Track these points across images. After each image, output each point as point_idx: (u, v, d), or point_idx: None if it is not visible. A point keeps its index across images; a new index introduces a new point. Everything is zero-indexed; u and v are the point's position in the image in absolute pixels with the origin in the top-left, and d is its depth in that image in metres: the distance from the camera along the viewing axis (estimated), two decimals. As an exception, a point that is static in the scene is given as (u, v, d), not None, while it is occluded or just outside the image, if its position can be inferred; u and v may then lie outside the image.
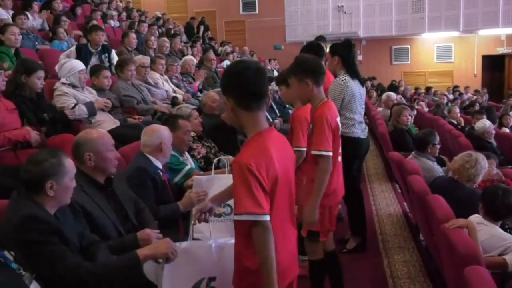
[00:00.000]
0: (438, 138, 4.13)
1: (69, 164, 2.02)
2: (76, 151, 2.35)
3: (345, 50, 3.59)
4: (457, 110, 8.14)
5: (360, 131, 3.59)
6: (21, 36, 5.01)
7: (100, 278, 1.89)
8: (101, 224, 2.28)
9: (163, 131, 2.97)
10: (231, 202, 2.79)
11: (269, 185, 1.61)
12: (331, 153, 2.48)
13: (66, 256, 1.87)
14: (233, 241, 1.80)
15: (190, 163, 3.39)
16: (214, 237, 2.67)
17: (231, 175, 2.66)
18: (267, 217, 1.59)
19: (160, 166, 2.93)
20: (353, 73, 3.56)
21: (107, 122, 4.03)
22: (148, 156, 2.89)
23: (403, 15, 16.40)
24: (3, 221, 1.91)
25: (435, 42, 16.86)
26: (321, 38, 6.72)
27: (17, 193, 1.99)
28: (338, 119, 2.64)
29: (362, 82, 3.74)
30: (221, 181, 2.85)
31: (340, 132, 2.69)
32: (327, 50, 6.57)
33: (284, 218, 1.74)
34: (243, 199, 1.57)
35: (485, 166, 3.27)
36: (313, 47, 3.91)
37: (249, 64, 1.71)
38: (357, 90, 3.55)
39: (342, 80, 3.50)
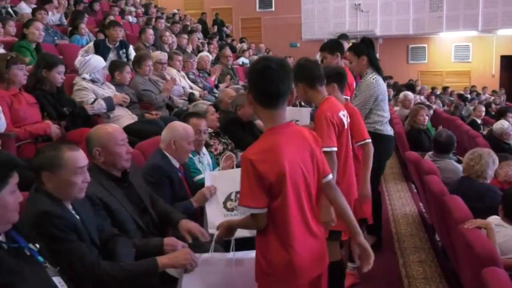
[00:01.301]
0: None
1: (70, 157, 1.95)
2: (88, 147, 2.37)
3: (370, 49, 3.59)
4: (483, 108, 7.94)
5: (390, 128, 3.63)
6: (43, 32, 5.08)
7: (118, 280, 1.91)
8: (120, 217, 2.31)
9: (178, 128, 2.92)
10: None
11: (272, 181, 1.65)
12: (334, 148, 2.47)
13: (84, 254, 1.88)
14: (253, 254, 1.83)
15: (207, 160, 3.40)
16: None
17: (239, 169, 2.73)
18: (262, 211, 1.68)
19: (177, 165, 2.92)
20: (380, 71, 3.58)
21: (125, 117, 4.06)
22: (165, 153, 2.88)
23: (421, 13, 16.20)
24: (24, 215, 1.92)
25: (453, 41, 16.63)
26: (343, 36, 6.70)
27: (34, 186, 2.01)
28: (342, 113, 2.62)
29: (384, 79, 3.79)
30: (230, 175, 2.88)
31: (367, 129, 2.93)
32: (346, 46, 6.58)
33: (297, 215, 1.73)
34: (243, 191, 1.68)
35: (491, 161, 3.30)
36: (332, 44, 3.93)
37: (271, 62, 1.71)
38: (385, 88, 3.63)
39: (374, 79, 3.50)
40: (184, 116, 3.50)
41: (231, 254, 2.09)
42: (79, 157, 1.99)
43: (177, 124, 2.99)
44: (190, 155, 3.12)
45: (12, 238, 1.63)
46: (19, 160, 1.68)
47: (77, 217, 1.99)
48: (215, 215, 2.81)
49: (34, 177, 1.97)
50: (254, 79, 1.73)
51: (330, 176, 1.87)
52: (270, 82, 1.67)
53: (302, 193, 1.74)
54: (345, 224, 1.90)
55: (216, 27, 13.58)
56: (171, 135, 2.88)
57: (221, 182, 2.89)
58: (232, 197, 2.86)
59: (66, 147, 1.98)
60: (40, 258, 1.68)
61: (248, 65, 9.23)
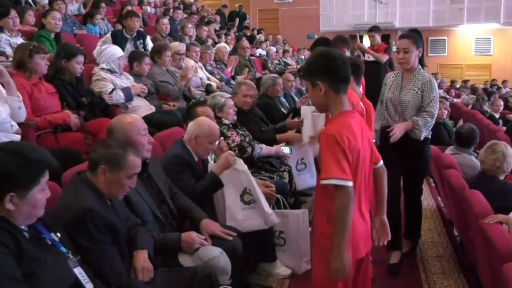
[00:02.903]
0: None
1: (132, 161, 2.02)
2: (109, 137, 2.39)
3: (422, 39, 3.28)
4: (501, 103, 7.80)
5: None
6: (61, 22, 5.11)
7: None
8: (139, 208, 2.33)
9: (204, 125, 2.88)
10: (253, 193, 2.87)
11: (351, 156, 1.76)
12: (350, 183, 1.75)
13: (115, 261, 1.93)
14: None
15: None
16: (246, 223, 2.77)
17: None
18: (350, 183, 1.71)
19: (196, 159, 2.90)
20: (423, 66, 3.31)
21: (143, 108, 4.08)
22: (186, 145, 2.88)
23: (441, 5, 15.93)
24: (59, 203, 1.95)
25: (474, 34, 16.33)
26: (375, 28, 6.63)
27: (77, 175, 2.05)
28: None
29: None
30: (243, 170, 2.89)
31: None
32: (378, 39, 6.47)
33: (360, 195, 1.86)
34: (330, 165, 1.71)
35: (509, 155, 3.16)
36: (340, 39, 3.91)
37: (338, 53, 1.90)
38: None
39: (432, 77, 3.26)
40: (187, 109, 3.57)
41: None
42: (138, 164, 2.08)
43: (205, 121, 2.94)
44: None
45: (34, 227, 1.65)
46: (53, 159, 1.65)
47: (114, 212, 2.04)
48: (234, 208, 2.83)
49: (60, 168, 2.01)
50: (332, 66, 1.82)
51: (381, 162, 2.04)
52: (346, 68, 1.84)
53: (363, 175, 1.87)
54: (379, 202, 2.06)
55: (237, 19, 13.53)
56: (196, 130, 2.87)
57: (235, 176, 2.88)
58: (248, 190, 2.87)
59: (132, 150, 2.05)
60: (63, 249, 1.69)
61: (265, 56, 9.19)
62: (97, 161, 1.99)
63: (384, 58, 6.55)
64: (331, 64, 1.83)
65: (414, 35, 3.22)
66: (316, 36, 16.82)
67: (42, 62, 3.33)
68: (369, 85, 4.16)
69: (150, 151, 2.49)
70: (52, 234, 1.70)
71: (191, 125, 2.94)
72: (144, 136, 2.44)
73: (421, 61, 3.25)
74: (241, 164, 2.93)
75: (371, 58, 6.54)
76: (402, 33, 3.77)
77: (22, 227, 1.60)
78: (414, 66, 3.19)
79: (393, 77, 3.32)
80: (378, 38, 6.62)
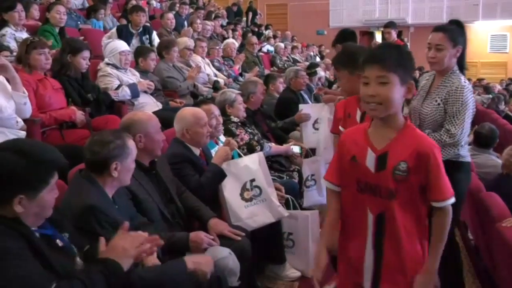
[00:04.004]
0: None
1: (132, 145, 2.05)
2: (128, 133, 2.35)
3: (464, 35, 2.56)
4: None
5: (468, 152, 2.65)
6: (66, 16, 5.05)
7: (149, 282, 1.87)
8: (147, 207, 2.29)
9: (186, 116, 2.84)
10: (259, 183, 2.81)
11: None
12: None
13: None
14: None
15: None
16: (252, 220, 2.74)
17: (248, 157, 2.94)
18: None
19: (197, 153, 2.87)
20: (464, 70, 2.61)
21: (150, 104, 4.03)
22: (183, 141, 2.84)
23: (456, 1, 15.69)
24: (63, 202, 1.91)
25: (489, 31, 16.06)
26: (391, 24, 6.47)
27: (79, 173, 2.02)
28: None
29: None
30: (241, 165, 2.85)
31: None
32: (394, 36, 6.29)
33: None
34: (447, 184, 1.59)
35: None
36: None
37: None
38: None
39: (469, 84, 2.51)
40: (194, 105, 3.53)
41: None
42: (134, 144, 2.09)
43: (185, 112, 2.89)
44: (210, 148, 3.09)
45: (43, 227, 1.59)
46: (62, 158, 1.59)
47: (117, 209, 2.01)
48: (237, 206, 2.78)
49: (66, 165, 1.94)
50: (410, 61, 1.65)
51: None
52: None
53: None
54: None
55: (250, 13, 13.48)
56: (182, 124, 2.82)
57: (234, 172, 2.82)
58: (248, 186, 2.81)
59: (126, 135, 2.06)
60: (74, 251, 1.64)
61: (274, 53, 9.12)
62: (105, 161, 1.95)
63: None
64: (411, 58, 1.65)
65: (452, 29, 2.52)
66: (326, 32, 16.74)
67: (41, 57, 3.26)
68: None
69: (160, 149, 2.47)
70: (63, 235, 1.65)
71: (176, 124, 2.88)
72: (160, 133, 2.45)
73: (460, 63, 2.56)
74: (243, 161, 2.89)
75: None
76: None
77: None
78: (448, 68, 2.51)
79: (426, 79, 2.69)
80: (394, 34, 6.41)
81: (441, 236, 1.62)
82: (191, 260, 2.01)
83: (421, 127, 2.54)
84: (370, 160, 1.62)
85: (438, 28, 2.53)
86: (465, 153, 2.55)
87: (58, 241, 1.61)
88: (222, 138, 3.32)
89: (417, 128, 2.34)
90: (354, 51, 2.55)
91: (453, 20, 2.63)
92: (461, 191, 2.41)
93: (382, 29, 6.91)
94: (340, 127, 2.59)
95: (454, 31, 2.52)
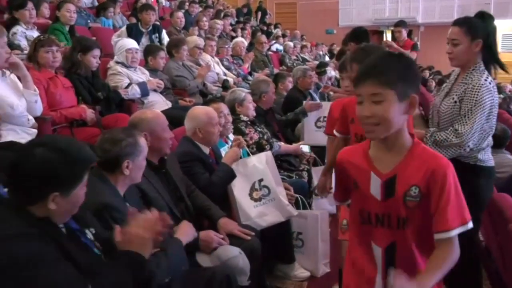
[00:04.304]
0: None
1: (144, 143, 2.05)
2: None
3: (489, 28, 2.38)
4: None
5: (491, 156, 2.47)
6: (75, 14, 5.07)
7: (160, 277, 1.87)
8: (157, 206, 2.25)
9: (199, 115, 2.85)
10: (267, 183, 2.81)
11: None
12: None
13: None
14: None
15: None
16: (262, 220, 2.74)
17: (256, 156, 2.95)
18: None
19: (207, 151, 2.87)
20: (499, 65, 2.42)
21: (159, 103, 4.03)
22: (193, 140, 2.84)
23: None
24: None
25: (501, 30, 15.77)
26: (402, 23, 6.43)
27: (90, 171, 1.99)
28: None
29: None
30: (250, 164, 2.86)
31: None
32: (405, 35, 6.22)
33: None
34: (463, 208, 1.37)
35: None
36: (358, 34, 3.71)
37: None
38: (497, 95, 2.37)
39: (490, 83, 2.31)
40: (203, 103, 3.55)
41: None
42: (145, 142, 2.10)
43: (198, 111, 2.90)
44: (219, 147, 3.09)
45: (68, 224, 1.56)
46: (94, 155, 1.59)
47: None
48: (246, 206, 2.77)
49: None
50: (415, 72, 1.44)
51: None
52: None
53: None
54: None
55: (260, 13, 13.45)
56: (194, 123, 2.83)
57: (242, 172, 2.82)
58: (256, 186, 2.82)
59: (137, 132, 2.06)
60: (96, 250, 1.61)
61: (283, 52, 9.09)
62: (118, 158, 1.96)
63: (413, 56, 6.34)
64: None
65: (470, 22, 2.36)
66: (335, 32, 16.66)
67: (48, 56, 3.27)
68: None
69: (170, 148, 2.47)
70: (87, 231, 1.62)
71: (187, 122, 2.88)
72: (167, 132, 2.44)
73: (489, 58, 2.37)
74: (251, 160, 2.89)
75: None
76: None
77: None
78: (469, 64, 2.35)
79: (453, 76, 2.56)
80: (404, 33, 6.37)
81: (441, 267, 1.36)
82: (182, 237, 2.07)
83: (438, 127, 2.46)
84: (375, 187, 1.42)
85: (455, 22, 2.40)
86: (485, 157, 2.39)
87: (82, 239, 1.59)
88: (231, 137, 3.31)
89: (435, 126, 2.30)
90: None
91: (480, 11, 2.45)
92: (480, 198, 2.33)
93: (392, 28, 6.85)
94: (335, 131, 2.44)
95: (473, 24, 2.36)
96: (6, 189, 1.46)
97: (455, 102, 2.36)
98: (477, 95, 2.26)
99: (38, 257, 1.33)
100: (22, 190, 1.41)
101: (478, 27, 2.34)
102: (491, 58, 2.37)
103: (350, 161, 1.49)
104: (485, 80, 2.29)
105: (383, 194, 1.41)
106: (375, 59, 1.41)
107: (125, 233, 1.60)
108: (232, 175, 2.76)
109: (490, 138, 2.41)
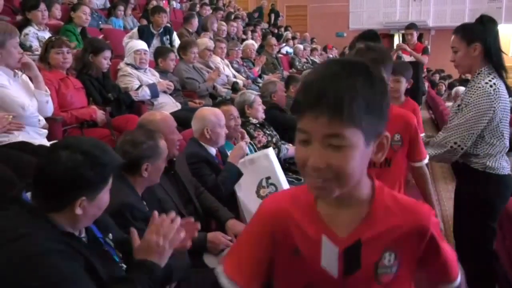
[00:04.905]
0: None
1: (164, 145, 2.07)
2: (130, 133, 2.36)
3: (489, 33, 2.27)
4: None
5: (507, 164, 2.37)
6: (90, 17, 5.13)
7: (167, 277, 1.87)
8: (165, 207, 2.26)
9: (208, 116, 2.85)
10: (275, 181, 2.81)
11: None
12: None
13: None
14: None
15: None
16: None
17: (262, 153, 2.93)
18: None
19: (213, 152, 2.88)
20: (502, 70, 2.30)
21: (169, 105, 4.05)
22: (200, 141, 2.85)
23: (478, 4, 15.39)
24: None
25: (512, 34, 15.72)
26: (413, 26, 6.40)
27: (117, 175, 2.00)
28: None
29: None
30: (256, 163, 2.87)
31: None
32: (415, 38, 6.19)
33: None
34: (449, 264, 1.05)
35: None
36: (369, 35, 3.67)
37: None
38: (507, 99, 2.29)
39: (492, 86, 2.22)
40: (213, 105, 3.56)
41: None
42: (166, 144, 2.12)
43: (206, 112, 2.91)
44: (227, 150, 3.08)
45: (91, 231, 1.53)
46: (119, 157, 1.57)
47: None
48: (253, 206, 2.76)
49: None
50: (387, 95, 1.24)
51: None
52: None
53: None
54: None
55: (273, 15, 13.47)
56: (203, 124, 2.84)
57: (248, 170, 2.83)
58: (264, 183, 2.81)
59: (158, 135, 2.07)
60: (117, 258, 1.58)
61: (293, 54, 9.08)
62: (137, 161, 1.97)
63: (425, 59, 6.30)
64: None
65: (465, 28, 2.33)
66: (345, 35, 16.61)
67: (59, 57, 3.30)
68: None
69: (177, 149, 2.48)
70: (107, 239, 1.59)
71: (194, 123, 2.89)
72: (175, 133, 2.45)
73: (496, 62, 2.27)
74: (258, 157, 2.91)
75: (409, 59, 6.28)
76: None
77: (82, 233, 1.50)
78: (473, 69, 2.31)
79: None
80: (416, 36, 6.37)
81: None
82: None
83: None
84: (328, 257, 0.96)
85: (454, 30, 2.38)
86: (497, 164, 2.30)
87: (104, 246, 1.56)
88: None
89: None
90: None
91: (481, 15, 2.37)
92: (488, 205, 2.30)
93: (402, 31, 6.83)
94: None
95: (467, 29, 2.32)
96: (28, 194, 1.40)
97: (458, 105, 2.35)
98: (472, 96, 2.24)
99: (69, 277, 1.28)
100: (49, 195, 1.35)
101: (474, 31, 2.29)
102: (496, 62, 2.30)
103: (291, 215, 0.99)
104: (486, 83, 2.23)
105: (342, 268, 0.95)
106: (331, 76, 0.86)
107: (144, 240, 1.55)
108: (238, 174, 2.77)
109: (504, 144, 2.33)
